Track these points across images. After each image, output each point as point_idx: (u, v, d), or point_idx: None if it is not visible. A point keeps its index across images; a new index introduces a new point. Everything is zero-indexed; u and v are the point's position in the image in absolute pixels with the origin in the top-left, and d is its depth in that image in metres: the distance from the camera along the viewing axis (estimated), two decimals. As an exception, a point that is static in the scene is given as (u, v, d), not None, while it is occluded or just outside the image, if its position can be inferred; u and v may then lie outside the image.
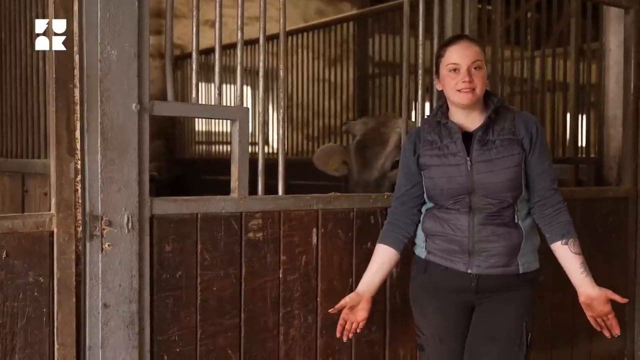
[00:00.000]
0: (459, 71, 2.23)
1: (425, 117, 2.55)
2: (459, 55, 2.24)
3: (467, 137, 2.29)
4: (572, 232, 2.31)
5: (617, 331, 2.31)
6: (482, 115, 2.31)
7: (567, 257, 2.30)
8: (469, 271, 2.29)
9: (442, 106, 2.37)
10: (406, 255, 2.56)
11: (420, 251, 2.41)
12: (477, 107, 2.30)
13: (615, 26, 3.96)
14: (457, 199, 2.27)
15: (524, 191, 2.29)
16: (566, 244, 2.29)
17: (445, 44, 2.34)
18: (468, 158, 2.25)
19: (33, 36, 2.46)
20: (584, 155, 4.21)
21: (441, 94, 2.40)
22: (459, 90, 2.23)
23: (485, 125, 2.27)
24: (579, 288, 2.31)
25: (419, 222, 2.43)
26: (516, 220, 2.29)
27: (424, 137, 2.36)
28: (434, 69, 2.38)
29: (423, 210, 2.42)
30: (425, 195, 2.38)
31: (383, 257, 2.42)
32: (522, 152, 2.27)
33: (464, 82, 2.21)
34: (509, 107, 2.39)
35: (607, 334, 2.33)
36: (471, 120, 2.30)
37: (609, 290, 2.29)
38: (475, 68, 2.23)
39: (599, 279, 3.57)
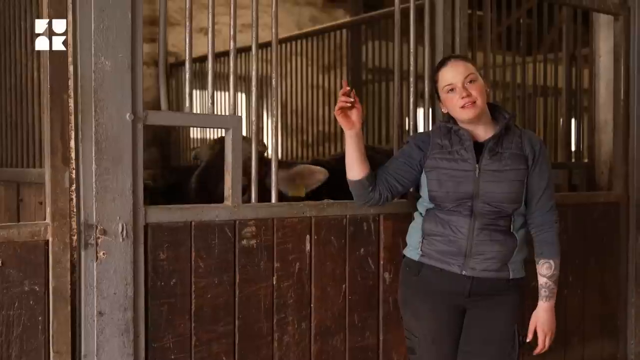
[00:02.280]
0: (456, 89, 2.32)
1: (438, 122, 2.60)
2: (451, 75, 2.34)
3: (475, 146, 2.36)
4: (545, 253, 2.40)
5: (536, 351, 2.45)
6: (490, 126, 2.39)
7: (538, 274, 2.42)
8: (464, 273, 2.35)
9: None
10: (398, 261, 2.59)
11: (413, 253, 2.45)
12: (483, 119, 2.38)
13: (605, 32, 4.00)
14: (460, 202, 2.33)
15: (522, 205, 2.37)
16: (537, 263, 2.42)
17: (436, 68, 2.43)
18: (477, 165, 2.32)
19: (28, 46, 2.49)
20: (574, 160, 4.24)
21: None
22: (461, 107, 2.31)
23: (497, 136, 2.35)
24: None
25: (386, 200, 2.46)
26: (512, 230, 2.36)
27: (433, 140, 2.44)
28: (435, 94, 2.46)
29: (423, 211, 2.46)
30: (427, 196, 2.42)
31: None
32: (526, 168, 2.36)
33: (462, 97, 2.30)
34: (516, 125, 2.49)
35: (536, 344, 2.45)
36: (479, 131, 2.39)
37: (540, 327, 2.41)
38: (470, 82, 2.31)
39: (592, 283, 3.62)
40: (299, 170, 2.86)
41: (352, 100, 2.30)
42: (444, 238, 2.36)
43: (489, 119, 2.39)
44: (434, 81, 2.43)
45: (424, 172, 2.43)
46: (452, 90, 2.33)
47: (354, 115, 2.32)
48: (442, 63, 2.41)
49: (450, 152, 2.38)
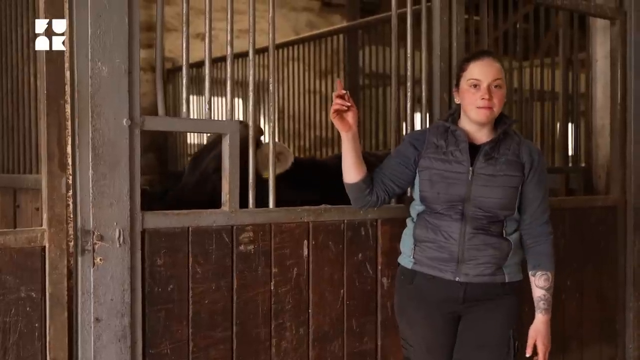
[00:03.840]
0: (479, 87, 2.28)
1: (436, 121, 2.57)
2: (480, 72, 2.29)
3: (472, 148, 2.33)
4: (542, 265, 2.38)
5: None
6: (491, 131, 2.37)
7: (533, 287, 2.40)
8: (457, 279, 2.32)
9: (453, 114, 2.42)
10: (396, 266, 2.58)
11: (407, 261, 2.43)
12: (489, 124, 2.35)
13: (602, 37, 4.00)
14: (451, 204, 2.30)
15: (516, 212, 2.35)
16: (533, 275, 2.40)
17: (468, 59, 2.38)
18: (471, 168, 2.30)
19: (24, 52, 2.49)
20: (571, 165, 4.25)
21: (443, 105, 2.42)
22: (477, 107, 2.28)
23: (494, 141, 2.32)
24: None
25: (383, 201, 2.44)
26: (504, 235, 2.34)
27: (429, 139, 2.40)
28: (455, 80, 2.43)
29: (414, 215, 2.44)
30: (417, 197, 2.40)
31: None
32: (522, 176, 2.33)
33: (483, 99, 2.26)
34: (516, 132, 2.46)
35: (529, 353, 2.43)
36: (480, 134, 2.36)
37: (540, 341, 2.39)
38: (495, 86, 2.28)
39: (590, 287, 3.62)
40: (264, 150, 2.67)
41: (348, 104, 2.27)
42: (435, 244, 2.33)
43: (491, 125, 2.37)
44: (460, 69, 2.38)
45: (417, 171, 2.40)
46: (475, 86, 2.28)
47: (350, 117, 2.29)
48: (477, 56, 2.34)
49: (444, 152, 2.34)
